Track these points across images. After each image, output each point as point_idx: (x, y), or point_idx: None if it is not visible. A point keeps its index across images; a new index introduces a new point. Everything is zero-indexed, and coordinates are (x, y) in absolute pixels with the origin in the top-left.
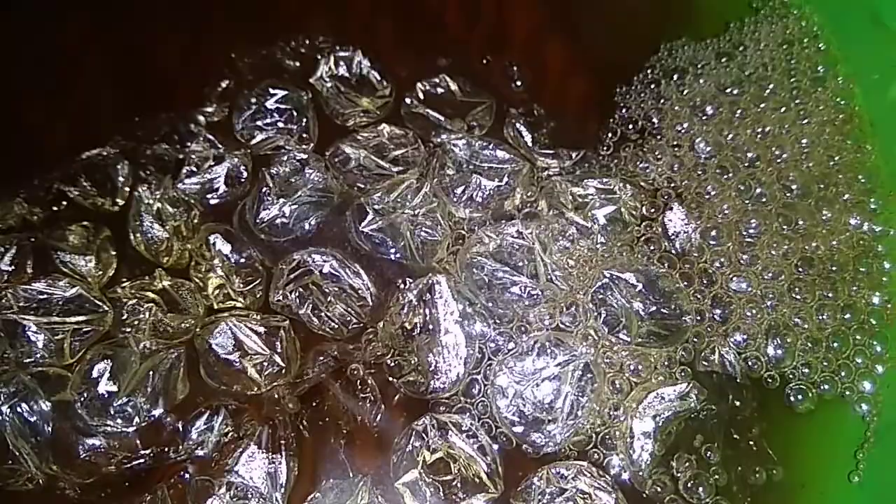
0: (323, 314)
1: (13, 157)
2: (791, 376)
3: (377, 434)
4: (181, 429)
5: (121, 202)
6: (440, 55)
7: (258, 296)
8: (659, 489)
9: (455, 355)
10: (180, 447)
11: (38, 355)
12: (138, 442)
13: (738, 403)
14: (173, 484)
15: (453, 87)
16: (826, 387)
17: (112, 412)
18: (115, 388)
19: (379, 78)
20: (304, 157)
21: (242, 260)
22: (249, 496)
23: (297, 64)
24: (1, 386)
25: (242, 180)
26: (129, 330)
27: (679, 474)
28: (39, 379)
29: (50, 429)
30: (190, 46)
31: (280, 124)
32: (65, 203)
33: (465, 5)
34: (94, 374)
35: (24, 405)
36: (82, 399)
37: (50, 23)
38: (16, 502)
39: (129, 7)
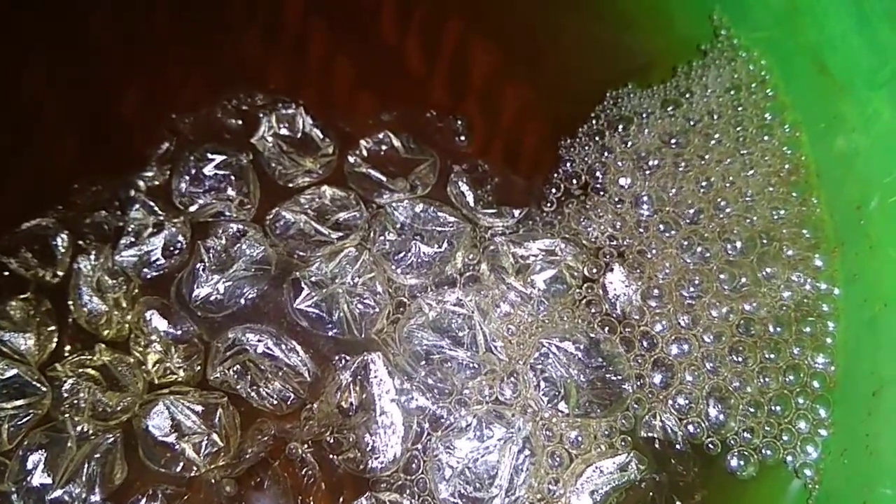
0: (261, 390)
1: None
2: (733, 442)
3: None
4: None
5: (61, 273)
6: (385, 110)
7: (197, 369)
8: None
9: (392, 434)
10: None
11: None
12: None
13: (679, 470)
14: None
15: (396, 143)
16: (768, 452)
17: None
18: (49, 480)
19: (321, 136)
20: (242, 227)
21: (180, 334)
22: None
23: (240, 122)
24: None
25: (181, 250)
26: (67, 412)
27: None
28: None
29: None
30: (130, 109)
31: (219, 190)
32: (5, 274)
33: (426, 47)
34: (29, 465)
35: None
36: (18, 491)
37: None
38: None
39: (68, 66)
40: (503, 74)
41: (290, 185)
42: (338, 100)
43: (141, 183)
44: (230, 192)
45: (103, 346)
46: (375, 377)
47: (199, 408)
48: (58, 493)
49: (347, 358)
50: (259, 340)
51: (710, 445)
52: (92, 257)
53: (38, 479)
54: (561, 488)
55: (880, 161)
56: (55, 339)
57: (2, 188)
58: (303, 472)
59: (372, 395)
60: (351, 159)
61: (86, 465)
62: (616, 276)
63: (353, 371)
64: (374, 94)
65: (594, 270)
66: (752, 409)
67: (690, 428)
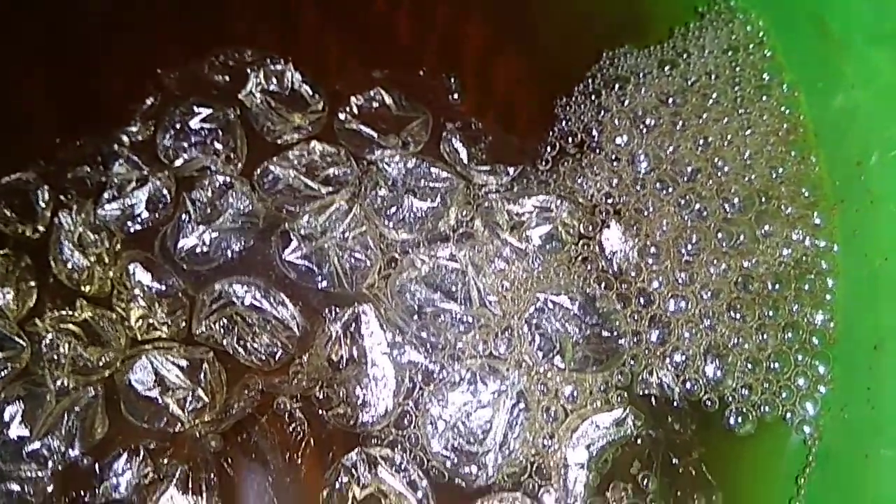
0: (248, 345)
1: None
2: (731, 399)
3: (306, 469)
4: (98, 471)
5: (41, 228)
6: (377, 67)
7: (182, 325)
8: None
9: (384, 387)
10: (97, 490)
11: None
12: (53, 487)
13: (676, 427)
14: None
15: (388, 100)
16: (767, 409)
17: (25, 456)
18: (27, 432)
19: (311, 92)
20: (228, 179)
21: (164, 289)
22: None
23: (227, 79)
24: None
25: (165, 205)
26: (46, 366)
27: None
28: None
29: None
30: (115, 62)
31: (206, 144)
32: None
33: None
34: (6, 417)
35: None
36: None
37: None
38: None
39: (53, 23)
40: (498, 32)
41: (279, 141)
42: (327, 61)
43: (125, 138)
44: (216, 146)
45: (85, 301)
46: (367, 329)
47: (183, 363)
48: (35, 444)
49: (338, 310)
50: (246, 292)
51: (707, 402)
52: (73, 212)
53: (15, 431)
54: (556, 443)
55: (881, 116)
56: (35, 295)
57: None
58: (291, 428)
59: (363, 347)
60: (341, 116)
61: (65, 419)
62: (612, 233)
63: (344, 323)
64: (365, 60)
65: (590, 227)
66: (750, 366)
67: (688, 385)
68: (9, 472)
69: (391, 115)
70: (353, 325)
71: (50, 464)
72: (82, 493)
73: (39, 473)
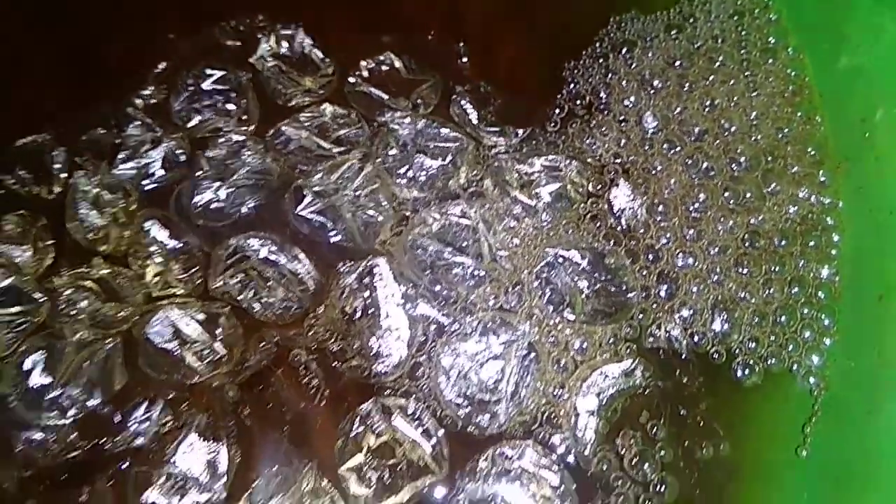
0: (264, 299)
1: None
2: (738, 351)
3: (321, 420)
4: (119, 419)
5: (57, 189)
6: (386, 32)
7: (198, 282)
8: (604, 467)
9: (397, 338)
10: (118, 438)
11: None
12: (75, 434)
13: (684, 379)
14: (112, 475)
15: (398, 64)
16: (773, 361)
17: (47, 405)
18: (48, 381)
19: (322, 56)
20: (242, 138)
21: (180, 246)
22: (189, 486)
23: (238, 44)
24: None
25: (179, 164)
26: (65, 320)
27: (624, 451)
28: None
29: None
30: (127, 28)
31: (218, 106)
32: (0, 192)
33: None
34: (28, 366)
35: None
36: (16, 392)
37: None
38: None
39: None
40: (507, 4)
41: (290, 104)
42: (337, 26)
43: (138, 101)
44: (229, 107)
45: (101, 259)
46: (381, 282)
47: (201, 317)
48: (56, 392)
49: (352, 264)
50: (262, 246)
51: (714, 355)
52: (89, 173)
53: (37, 380)
54: (566, 392)
55: (886, 74)
56: (52, 254)
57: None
58: (306, 380)
59: (377, 299)
60: (352, 79)
61: (85, 369)
62: (621, 191)
63: (359, 275)
64: (374, 25)
65: (599, 186)
66: (757, 320)
67: (695, 338)
68: (30, 420)
69: (401, 79)
70: (367, 277)
71: (71, 412)
72: (103, 440)
73: (60, 421)
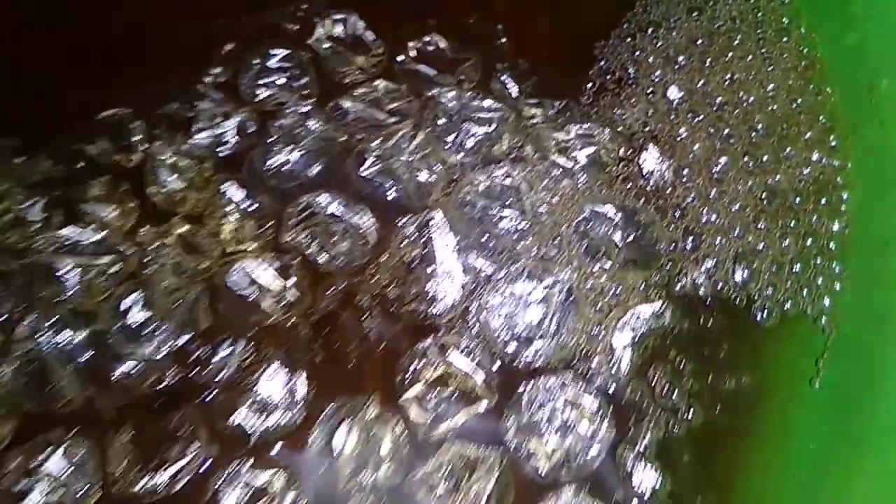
0: (330, 251)
1: (36, 119)
2: (757, 296)
3: (383, 356)
4: (205, 355)
5: (137, 158)
6: (430, 16)
7: (269, 238)
8: (637, 397)
9: (451, 282)
10: (206, 370)
11: (70, 293)
12: (167, 367)
13: (708, 321)
14: (201, 402)
15: (442, 45)
16: (789, 305)
17: (142, 340)
18: (144, 318)
19: (373, 38)
20: (307, 109)
21: (253, 205)
22: (271, 409)
23: (297, 27)
24: (42, 318)
25: (250, 134)
26: (152, 270)
27: (655, 383)
28: (74, 313)
29: (86, 356)
30: (195, 11)
31: (282, 82)
32: (84, 161)
33: None
34: (125, 305)
35: (63, 335)
36: (115, 329)
37: None
38: (56, 424)
39: None
40: None
41: (345, 81)
42: (386, 10)
43: (208, 79)
44: (293, 83)
45: (180, 219)
46: (437, 231)
47: (274, 266)
48: (150, 329)
49: (410, 216)
50: (329, 203)
51: (736, 300)
52: (166, 143)
53: (135, 317)
54: (602, 331)
55: (889, 48)
56: (135, 215)
57: (81, 82)
58: (369, 323)
59: (433, 247)
60: (400, 58)
61: (174, 311)
62: (650, 155)
63: (417, 226)
64: (420, 10)
65: (629, 151)
66: (774, 269)
67: (718, 286)
68: (127, 355)
69: (445, 58)
70: (425, 228)
71: (164, 347)
72: (192, 372)
73: (155, 356)
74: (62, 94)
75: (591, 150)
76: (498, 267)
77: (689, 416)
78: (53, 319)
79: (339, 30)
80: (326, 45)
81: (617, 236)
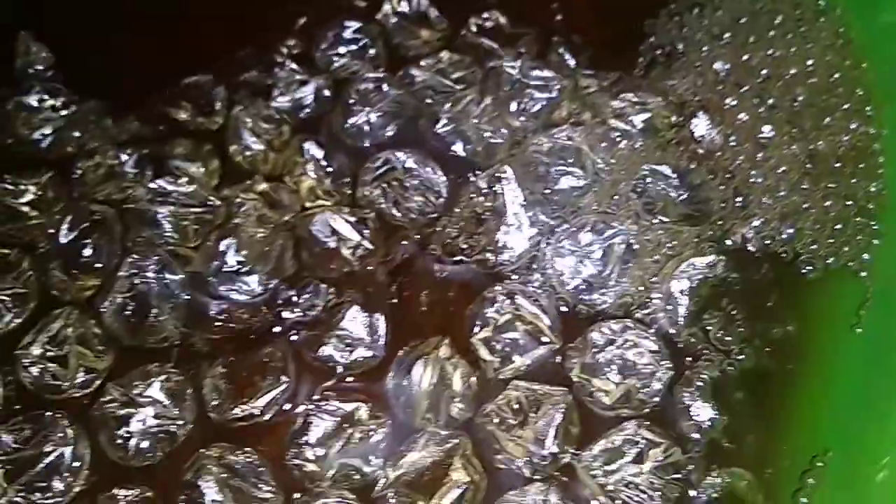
0: (404, 204)
1: (124, 84)
2: (802, 251)
3: (454, 302)
4: (292, 297)
5: (219, 121)
6: None
7: (346, 193)
8: (692, 340)
9: (520, 233)
10: (293, 311)
11: (167, 237)
12: (257, 306)
13: (757, 274)
14: (289, 339)
15: (502, 20)
16: (832, 259)
17: (236, 281)
18: (238, 261)
19: (437, 14)
20: (381, 75)
21: (332, 164)
22: (356, 344)
23: (365, 3)
24: (146, 258)
25: (326, 98)
26: (240, 221)
27: (709, 328)
28: (173, 255)
29: (185, 295)
30: None
31: (355, 52)
32: (169, 123)
33: None
34: (221, 248)
35: (165, 273)
36: (211, 270)
37: None
38: (154, 358)
39: None
40: None
41: (411, 53)
42: None
43: (284, 50)
44: (366, 53)
45: (261, 177)
46: (507, 184)
47: (352, 219)
48: (245, 269)
49: (480, 172)
50: (406, 158)
51: (782, 254)
52: (247, 107)
53: (231, 259)
54: (660, 279)
55: None
56: (218, 174)
57: (167, 51)
58: (440, 271)
59: (502, 200)
60: (463, 32)
61: (264, 255)
62: (700, 121)
63: (488, 180)
64: None
65: (680, 118)
66: (818, 227)
67: (766, 241)
68: (223, 294)
69: (505, 32)
70: (496, 181)
71: (255, 289)
72: (282, 312)
73: (247, 296)
74: (149, 61)
75: (646, 115)
76: (561, 220)
77: (741, 359)
78: (153, 260)
79: (404, 6)
80: (393, 20)
81: (673, 194)
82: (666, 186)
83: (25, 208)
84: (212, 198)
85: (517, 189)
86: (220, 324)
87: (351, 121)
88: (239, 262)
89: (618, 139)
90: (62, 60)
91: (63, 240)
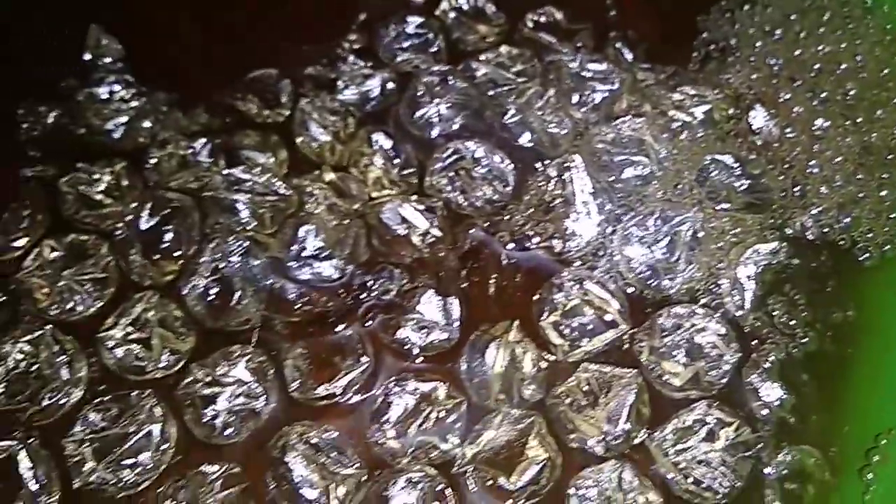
0: (472, 193)
1: (191, 76)
2: (859, 239)
3: (522, 288)
4: (368, 281)
5: (285, 113)
6: None
7: (412, 182)
8: (759, 324)
9: (588, 219)
10: (369, 295)
11: (245, 223)
12: (335, 290)
13: (816, 261)
14: (367, 322)
15: (558, 16)
16: (888, 247)
17: (315, 266)
18: (318, 247)
19: (494, 9)
20: (445, 68)
21: (399, 154)
22: (431, 327)
23: (421, 0)
24: (231, 243)
25: (392, 90)
26: (311, 209)
27: (774, 312)
28: (253, 241)
29: (267, 279)
30: None
31: (418, 46)
32: (237, 115)
33: None
34: (301, 234)
35: (248, 258)
36: (292, 255)
37: None
38: (234, 340)
39: None
40: None
41: (469, 48)
42: None
43: (346, 45)
44: (427, 48)
45: (328, 167)
46: (577, 172)
47: (421, 207)
48: (324, 255)
49: (548, 161)
50: (476, 146)
51: (840, 242)
52: (313, 99)
53: (311, 244)
54: (725, 265)
55: None
56: (286, 165)
57: (232, 45)
58: (508, 257)
59: (572, 188)
60: (520, 27)
61: (340, 241)
62: (757, 113)
63: (558, 168)
64: None
65: (738, 111)
66: (873, 216)
67: (824, 229)
68: (302, 278)
69: (561, 28)
70: (565, 170)
71: (333, 274)
72: (359, 296)
73: (325, 281)
74: (215, 55)
75: (705, 107)
76: (627, 208)
77: (805, 342)
78: (237, 245)
79: (462, 1)
80: (452, 16)
81: (735, 183)
82: (728, 175)
83: (100, 196)
84: (282, 187)
85: (586, 178)
86: (299, 307)
87: (419, 112)
88: (318, 248)
89: (679, 130)
90: (131, 53)
91: (143, 226)
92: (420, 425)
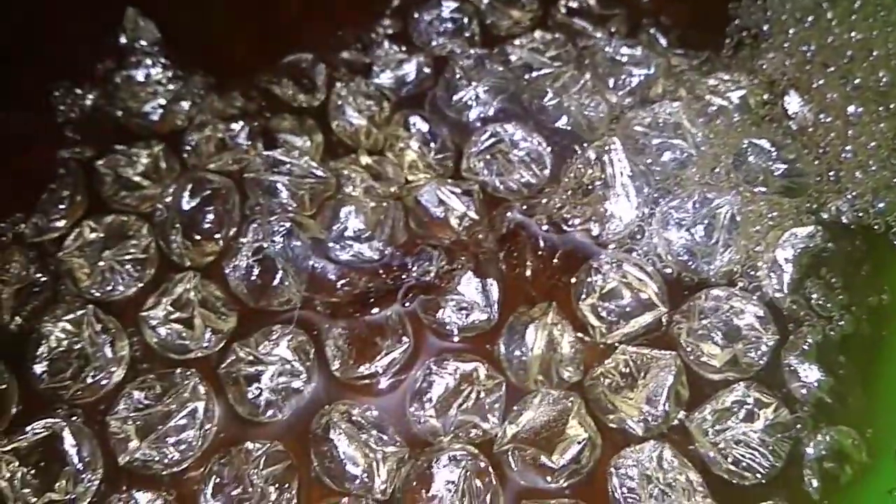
0: (510, 176)
1: (226, 60)
2: (894, 223)
3: (561, 269)
4: (407, 262)
5: (320, 97)
6: None
7: (448, 165)
8: (796, 306)
9: (627, 202)
10: (409, 275)
11: (286, 205)
12: (375, 271)
13: (852, 243)
14: (408, 300)
15: (591, 1)
16: None
17: (356, 247)
18: (358, 228)
19: None
20: (482, 52)
21: (435, 137)
22: (471, 307)
23: None
24: (273, 223)
25: (427, 74)
26: (349, 191)
27: (811, 295)
28: (294, 223)
29: (308, 260)
30: None
31: (453, 31)
32: (272, 99)
33: None
34: (341, 216)
35: (289, 239)
36: (333, 236)
37: None
38: (275, 320)
39: None
40: None
41: (502, 33)
42: None
43: (380, 30)
44: (462, 32)
45: (364, 151)
46: (616, 155)
47: (457, 189)
48: (365, 235)
49: (586, 144)
50: (515, 129)
51: (874, 226)
52: (348, 83)
53: (352, 225)
54: (763, 248)
55: None
56: (322, 148)
57: (266, 30)
58: (546, 240)
59: (611, 170)
60: (553, 12)
61: (379, 223)
62: (792, 99)
63: (597, 151)
64: None
65: (772, 96)
66: None
67: (859, 214)
68: (344, 259)
69: (594, 14)
70: (605, 153)
71: (373, 255)
72: (398, 276)
73: (366, 262)
74: (251, 39)
75: (741, 92)
76: (665, 191)
77: (842, 323)
78: (280, 226)
79: None
80: (486, 1)
81: (772, 167)
82: (765, 160)
83: (138, 178)
84: (322, 169)
85: (625, 161)
86: (340, 288)
87: (457, 96)
88: (359, 230)
89: (714, 114)
90: (167, 37)
91: (185, 207)
92: (461, 405)
